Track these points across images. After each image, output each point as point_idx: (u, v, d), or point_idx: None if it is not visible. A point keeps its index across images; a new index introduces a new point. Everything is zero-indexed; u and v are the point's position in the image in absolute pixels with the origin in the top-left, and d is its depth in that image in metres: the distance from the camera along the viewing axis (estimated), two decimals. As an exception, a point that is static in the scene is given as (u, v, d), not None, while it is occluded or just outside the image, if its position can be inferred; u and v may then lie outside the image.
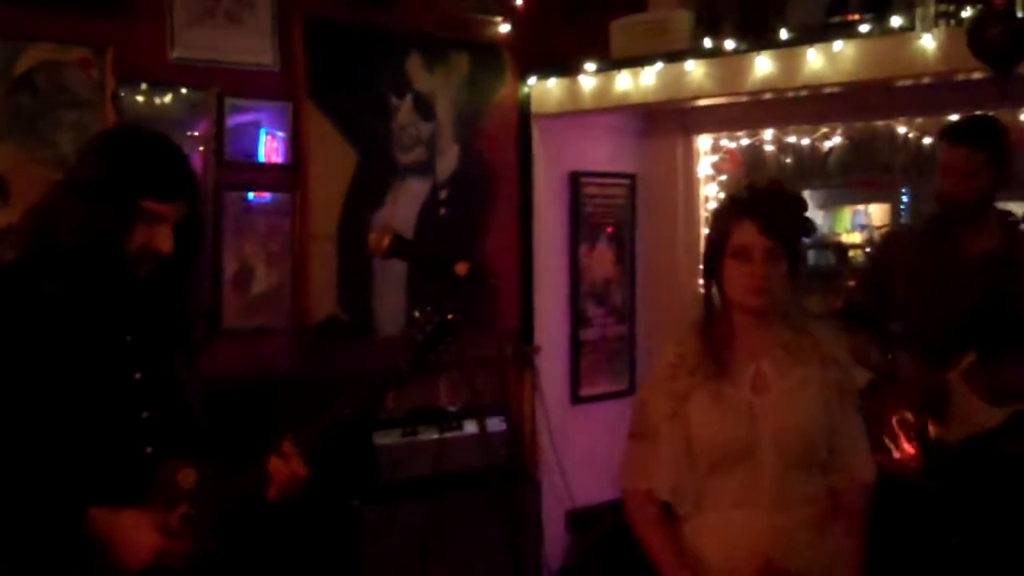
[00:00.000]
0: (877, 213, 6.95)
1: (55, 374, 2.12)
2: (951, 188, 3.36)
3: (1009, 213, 3.54)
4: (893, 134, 4.86)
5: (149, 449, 2.20)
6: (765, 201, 2.61)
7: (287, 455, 2.22)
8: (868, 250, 5.42)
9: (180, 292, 2.34)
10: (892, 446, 3.38)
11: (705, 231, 5.17)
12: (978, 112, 3.77)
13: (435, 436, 4.16)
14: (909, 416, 3.36)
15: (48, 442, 2.11)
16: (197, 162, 3.83)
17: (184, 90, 3.86)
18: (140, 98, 3.77)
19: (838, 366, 2.71)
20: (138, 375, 2.23)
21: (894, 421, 3.38)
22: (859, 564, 2.67)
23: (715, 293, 2.65)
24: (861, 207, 7.03)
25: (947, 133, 3.49)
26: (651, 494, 2.66)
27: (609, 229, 5.21)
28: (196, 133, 3.88)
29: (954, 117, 4.56)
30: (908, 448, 3.33)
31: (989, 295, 3.23)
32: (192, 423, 2.29)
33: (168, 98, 3.85)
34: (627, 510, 2.72)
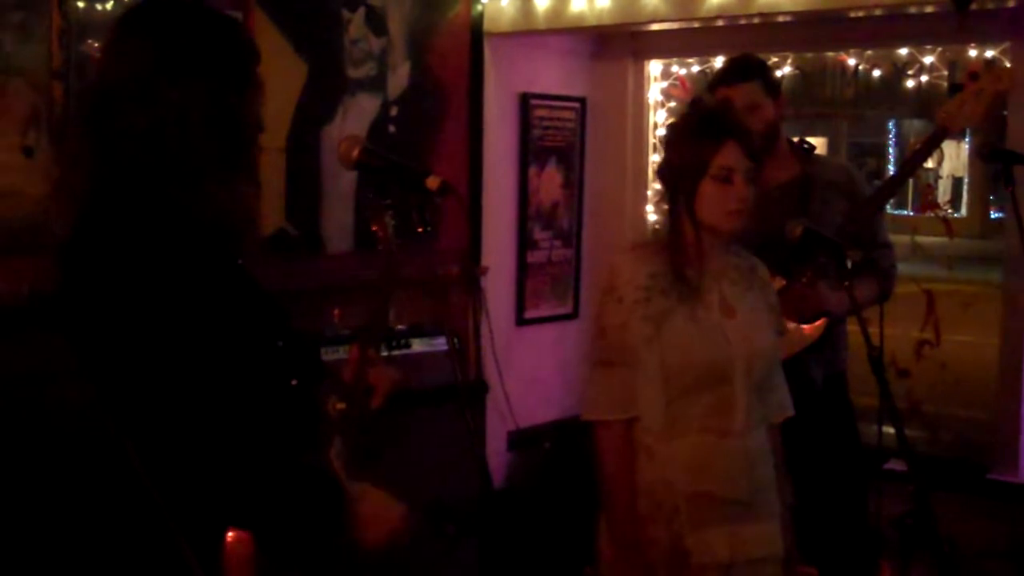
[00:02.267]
0: (816, 146, 7.06)
1: (227, 306, 1.86)
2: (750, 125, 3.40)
3: (804, 141, 3.62)
4: (843, 66, 4.89)
5: (294, 382, 2.00)
6: (740, 122, 2.60)
7: (376, 362, 2.14)
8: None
9: None
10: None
11: (655, 157, 5.22)
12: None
13: (383, 354, 4.14)
14: None
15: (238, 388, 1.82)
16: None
17: (129, -4, 3.76)
18: (82, 4, 3.65)
19: (771, 291, 2.75)
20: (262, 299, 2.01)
21: None
22: (789, 494, 2.74)
23: (679, 213, 2.59)
24: (796, 140, 7.14)
25: (720, 79, 3.51)
26: (626, 425, 2.59)
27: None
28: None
29: (903, 51, 4.64)
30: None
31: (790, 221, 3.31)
32: (305, 346, 2.15)
33: (111, 4, 3.73)
34: (600, 443, 2.62)
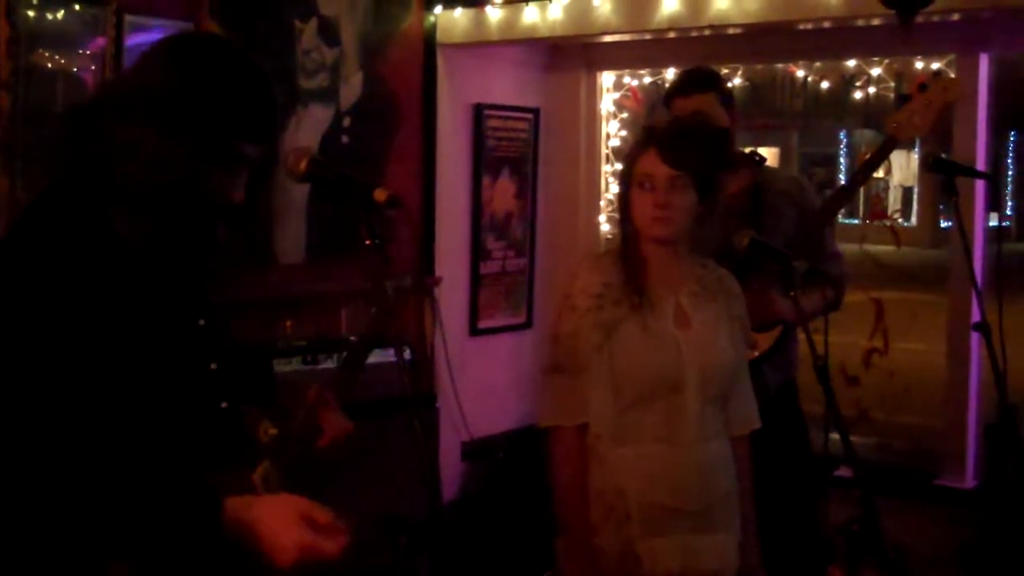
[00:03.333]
0: (767, 156, 7.10)
1: (133, 329, 1.78)
2: None
3: (755, 152, 3.66)
4: (792, 78, 4.94)
5: (224, 404, 1.95)
6: (672, 132, 2.64)
7: (332, 406, 2.11)
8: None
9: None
10: None
11: (607, 167, 5.25)
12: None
13: (334, 365, 4.14)
14: None
15: (136, 409, 1.76)
16: (90, 83, 3.70)
17: (78, 6, 3.73)
18: (32, 13, 3.62)
19: (740, 303, 2.77)
20: (201, 322, 1.95)
21: None
22: (753, 507, 2.76)
23: (624, 223, 2.66)
24: (748, 150, 7.17)
25: (676, 90, 3.51)
26: (579, 431, 2.63)
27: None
28: (90, 52, 3.75)
29: (851, 63, 4.70)
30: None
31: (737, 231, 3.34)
32: (249, 371, 2.15)
33: (61, 13, 3.71)
34: (553, 448, 2.66)
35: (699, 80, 3.50)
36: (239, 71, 1.84)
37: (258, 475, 1.97)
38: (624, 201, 2.65)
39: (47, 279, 1.71)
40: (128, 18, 3.81)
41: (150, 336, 1.81)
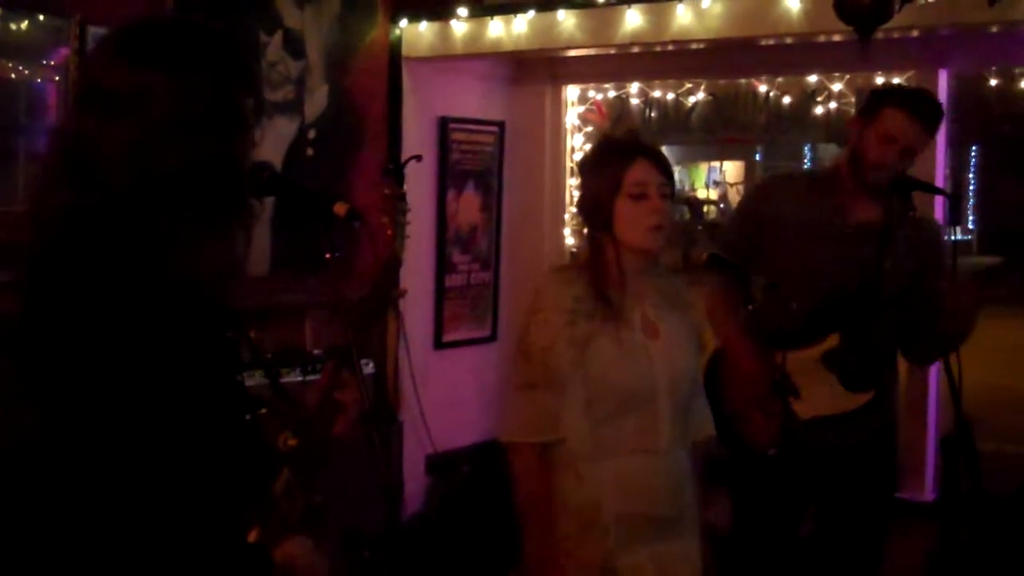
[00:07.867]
0: (731, 170, 7.16)
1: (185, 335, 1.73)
2: (891, 158, 3.20)
3: (939, 190, 3.58)
4: (755, 92, 4.98)
5: (248, 416, 1.91)
6: (647, 143, 2.64)
7: (348, 384, 2.06)
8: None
9: None
10: (749, 419, 3.36)
11: (572, 181, 5.27)
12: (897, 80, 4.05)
13: (298, 379, 4.13)
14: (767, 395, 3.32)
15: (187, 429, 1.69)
16: (52, 94, 3.68)
17: (42, 16, 3.71)
18: (-6, 22, 3.61)
19: (696, 312, 2.79)
20: (228, 334, 1.92)
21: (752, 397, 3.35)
22: (705, 511, 2.78)
23: (599, 236, 2.61)
24: (716, 164, 7.24)
25: (907, 105, 3.22)
26: (539, 448, 2.60)
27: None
28: (53, 62, 3.74)
29: (813, 78, 4.74)
30: (763, 424, 3.31)
31: (866, 274, 3.23)
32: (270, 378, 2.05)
33: (25, 24, 3.69)
34: (515, 465, 2.64)
35: (930, 113, 3.24)
36: (201, 33, 1.77)
37: (279, 485, 1.93)
38: (603, 214, 2.58)
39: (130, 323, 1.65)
40: (91, 29, 3.79)
41: (198, 351, 1.77)
